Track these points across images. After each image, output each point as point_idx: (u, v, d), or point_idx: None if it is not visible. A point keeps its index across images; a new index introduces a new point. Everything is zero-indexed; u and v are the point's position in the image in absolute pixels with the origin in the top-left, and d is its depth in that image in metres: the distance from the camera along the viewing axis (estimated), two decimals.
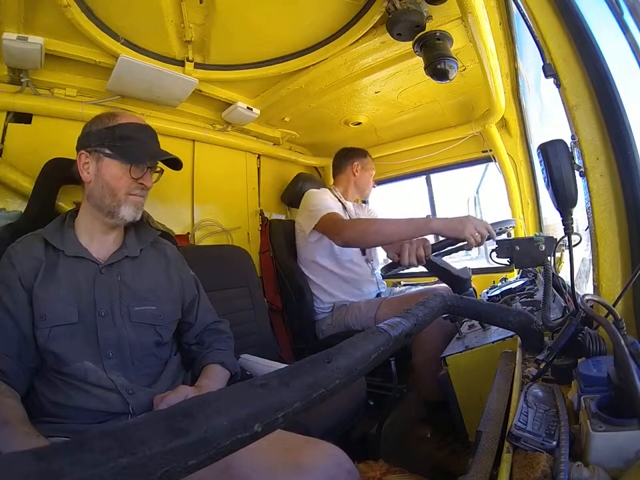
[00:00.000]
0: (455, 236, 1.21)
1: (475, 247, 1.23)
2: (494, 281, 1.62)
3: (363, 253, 1.78)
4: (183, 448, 0.23)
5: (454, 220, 1.23)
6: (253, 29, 1.27)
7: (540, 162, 0.62)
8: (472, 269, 1.18)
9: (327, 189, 1.83)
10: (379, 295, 1.77)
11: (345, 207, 1.79)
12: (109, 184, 0.82)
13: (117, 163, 0.82)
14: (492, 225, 1.23)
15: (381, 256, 1.93)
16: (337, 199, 1.79)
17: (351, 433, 1.20)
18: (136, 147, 0.83)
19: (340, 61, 1.41)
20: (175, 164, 0.90)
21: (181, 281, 0.96)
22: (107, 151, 0.82)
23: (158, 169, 0.90)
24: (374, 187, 1.96)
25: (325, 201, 1.63)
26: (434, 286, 1.76)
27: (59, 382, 0.76)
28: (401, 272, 1.36)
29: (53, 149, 1.20)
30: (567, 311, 0.74)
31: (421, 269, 1.39)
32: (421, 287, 1.89)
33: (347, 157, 1.88)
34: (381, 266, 1.89)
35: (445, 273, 1.18)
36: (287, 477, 0.59)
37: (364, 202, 2.31)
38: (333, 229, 1.50)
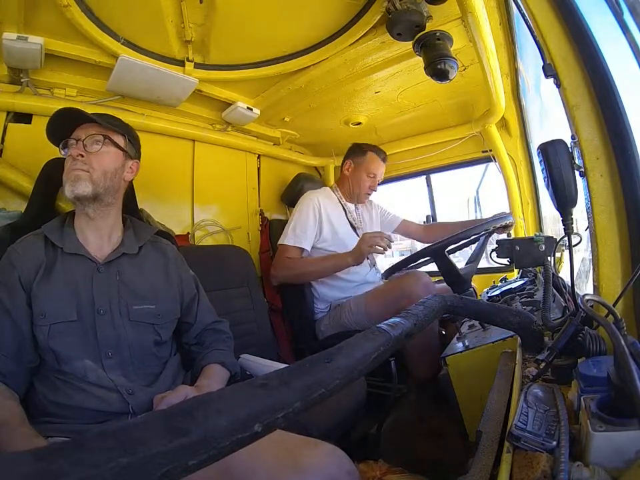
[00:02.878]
0: (359, 257, 1.42)
1: (385, 252, 1.43)
2: (494, 281, 1.62)
3: None
4: (183, 448, 0.23)
5: (355, 247, 1.45)
6: (253, 29, 1.27)
7: (540, 162, 0.62)
8: None
9: (328, 189, 1.82)
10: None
11: (344, 209, 1.77)
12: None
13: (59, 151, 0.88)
14: (486, 222, 1.22)
15: (381, 257, 1.91)
16: (337, 200, 1.78)
17: (351, 433, 1.19)
18: (50, 128, 0.88)
19: (340, 61, 1.41)
20: (78, 114, 0.85)
21: (180, 280, 0.96)
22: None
23: (94, 133, 0.85)
24: (373, 190, 1.79)
25: (300, 222, 1.62)
26: None
27: (58, 382, 0.76)
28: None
29: (53, 149, 1.18)
30: (567, 311, 0.74)
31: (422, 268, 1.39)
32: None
33: (346, 154, 1.83)
34: (380, 267, 1.89)
35: (447, 272, 1.17)
36: (287, 477, 0.59)
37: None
38: (275, 261, 1.65)
